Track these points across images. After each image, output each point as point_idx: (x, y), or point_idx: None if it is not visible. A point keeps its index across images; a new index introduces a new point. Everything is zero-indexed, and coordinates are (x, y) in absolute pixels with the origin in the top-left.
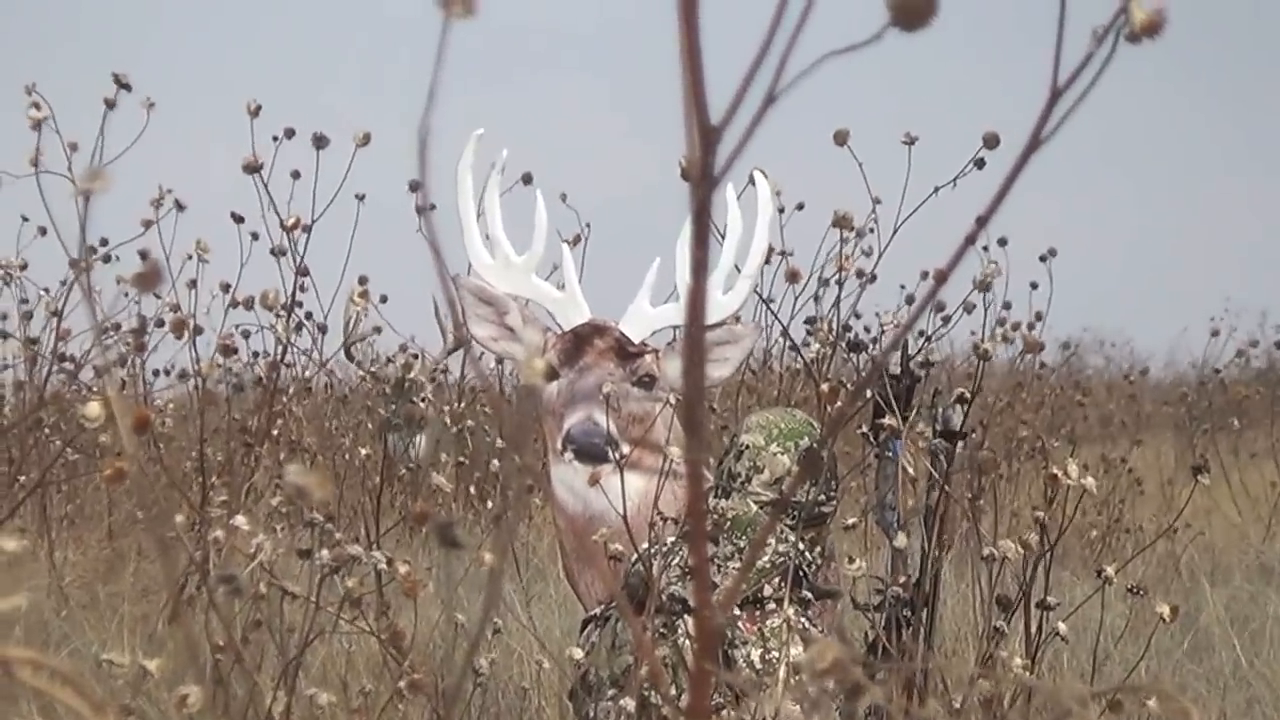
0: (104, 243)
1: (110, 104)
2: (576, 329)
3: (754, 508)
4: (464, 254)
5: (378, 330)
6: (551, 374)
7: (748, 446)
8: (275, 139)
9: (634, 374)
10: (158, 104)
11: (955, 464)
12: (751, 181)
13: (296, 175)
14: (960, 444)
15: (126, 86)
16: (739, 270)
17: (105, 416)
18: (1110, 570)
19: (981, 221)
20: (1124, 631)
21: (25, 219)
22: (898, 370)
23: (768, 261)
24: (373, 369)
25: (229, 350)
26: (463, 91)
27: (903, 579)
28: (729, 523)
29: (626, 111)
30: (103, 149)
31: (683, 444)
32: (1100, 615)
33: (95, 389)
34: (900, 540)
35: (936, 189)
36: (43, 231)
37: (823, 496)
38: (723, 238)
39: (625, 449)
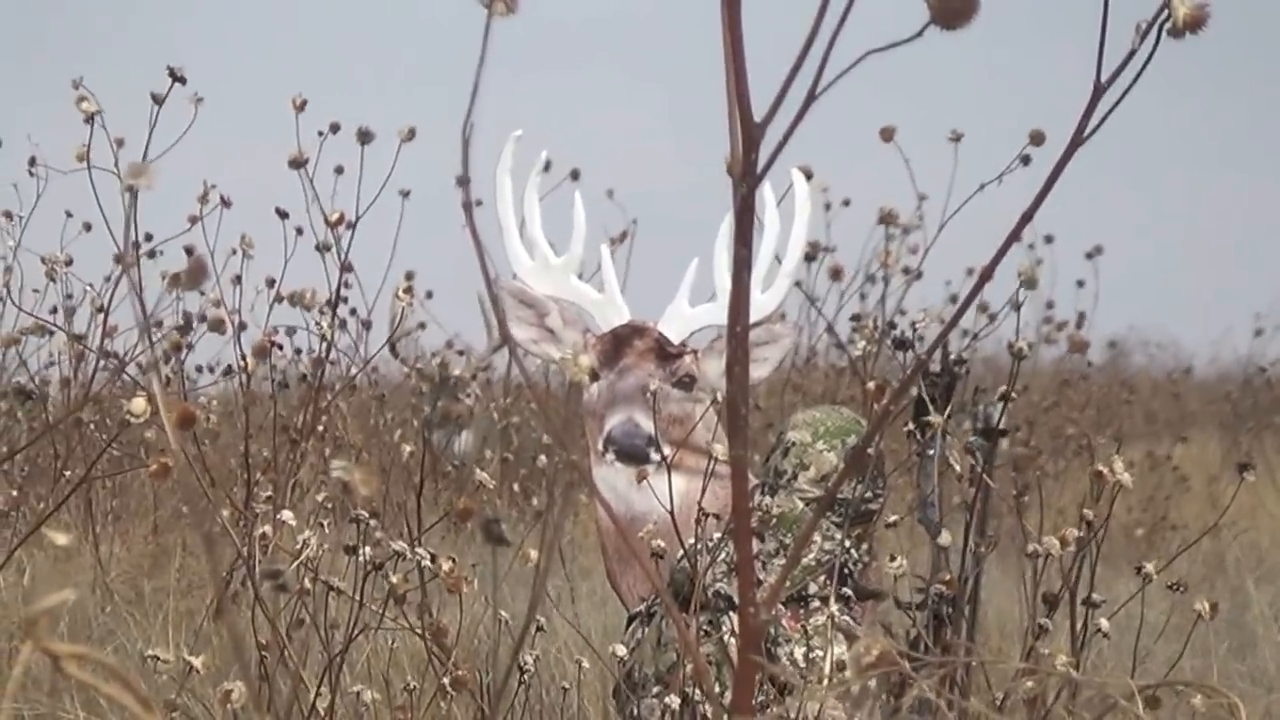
0: (148, 238)
1: (159, 100)
2: (616, 330)
3: (800, 505)
4: (505, 256)
5: (422, 326)
6: (592, 375)
7: (794, 443)
8: (320, 134)
9: (674, 375)
10: (205, 99)
11: (999, 461)
12: (791, 181)
13: (340, 170)
14: (1003, 441)
15: (181, 79)
16: (779, 265)
17: (150, 412)
18: (1151, 568)
19: (1025, 218)
20: (1164, 628)
21: (69, 214)
22: (938, 368)
23: (812, 258)
24: (417, 365)
25: (264, 350)
26: (504, 87)
27: (945, 576)
28: (775, 520)
29: (666, 109)
30: (150, 144)
31: (725, 443)
32: (1141, 612)
33: (140, 385)
34: (945, 538)
35: (982, 185)
36: (88, 227)
37: (869, 494)
38: (761, 237)
39: (666, 450)
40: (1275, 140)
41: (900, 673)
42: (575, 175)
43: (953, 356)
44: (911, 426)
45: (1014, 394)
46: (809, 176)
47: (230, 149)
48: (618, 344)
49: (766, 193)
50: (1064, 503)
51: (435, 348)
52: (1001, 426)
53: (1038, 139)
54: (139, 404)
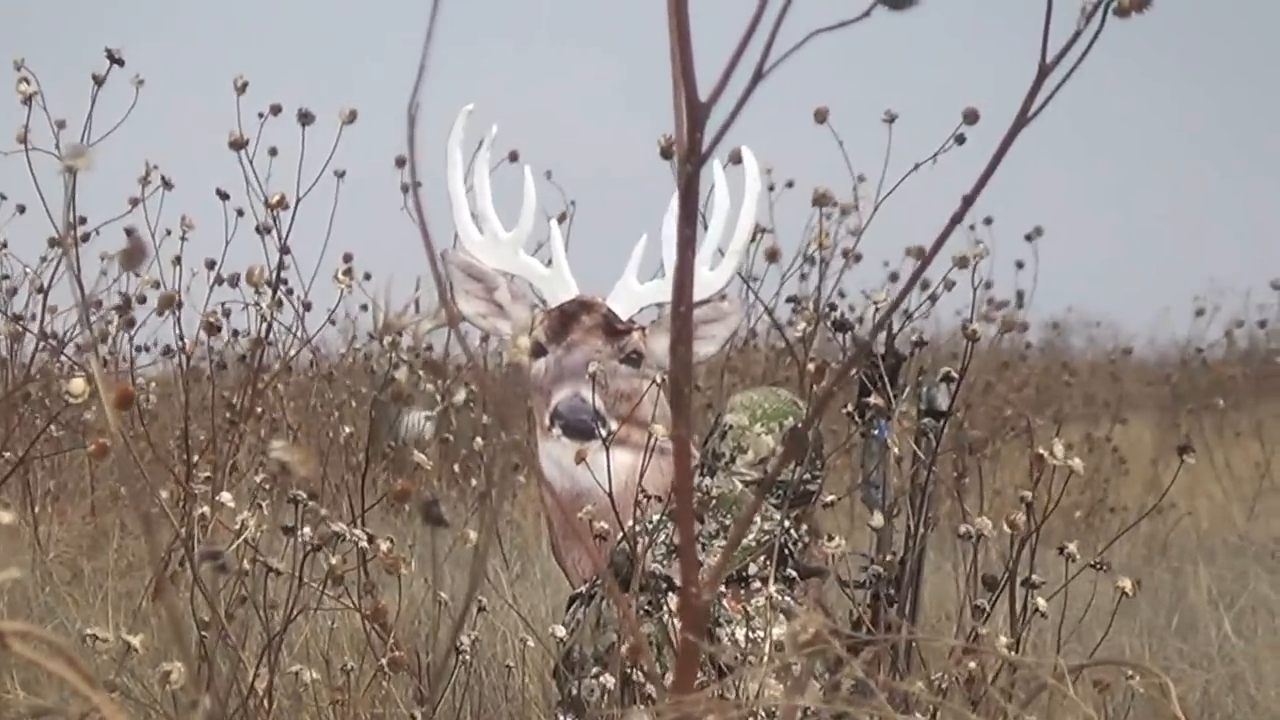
0: (83, 220)
1: (99, 80)
2: (564, 306)
3: (739, 486)
4: (452, 230)
5: (364, 308)
6: (538, 351)
7: (732, 426)
8: (260, 116)
9: (621, 351)
10: (146, 81)
11: (941, 443)
12: (738, 159)
13: (274, 152)
14: (945, 423)
15: (119, 61)
16: (723, 249)
17: (89, 393)
18: (1073, 548)
19: (968, 201)
20: (1097, 607)
21: (4, 196)
22: (883, 350)
23: (753, 239)
24: (358, 347)
25: (214, 328)
26: (453, 65)
27: (887, 557)
28: (714, 501)
29: (616, 86)
30: (91, 126)
31: (669, 421)
32: (1093, 594)
33: (79, 366)
34: (877, 519)
35: (917, 165)
36: (21, 209)
37: (808, 476)
38: (706, 218)
39: (613, 425)
40: (1215, 122)
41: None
42: (514, 157)
43: (913, 338)
44: (851, 408)
45: (957, 376)
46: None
47: (171, 131)
48: (565, 319)
49: (717, 172)
50: (1001, 484)
51: (372, 330)
52: (948, 408)
53: (971, 117)
54: (78, 384)
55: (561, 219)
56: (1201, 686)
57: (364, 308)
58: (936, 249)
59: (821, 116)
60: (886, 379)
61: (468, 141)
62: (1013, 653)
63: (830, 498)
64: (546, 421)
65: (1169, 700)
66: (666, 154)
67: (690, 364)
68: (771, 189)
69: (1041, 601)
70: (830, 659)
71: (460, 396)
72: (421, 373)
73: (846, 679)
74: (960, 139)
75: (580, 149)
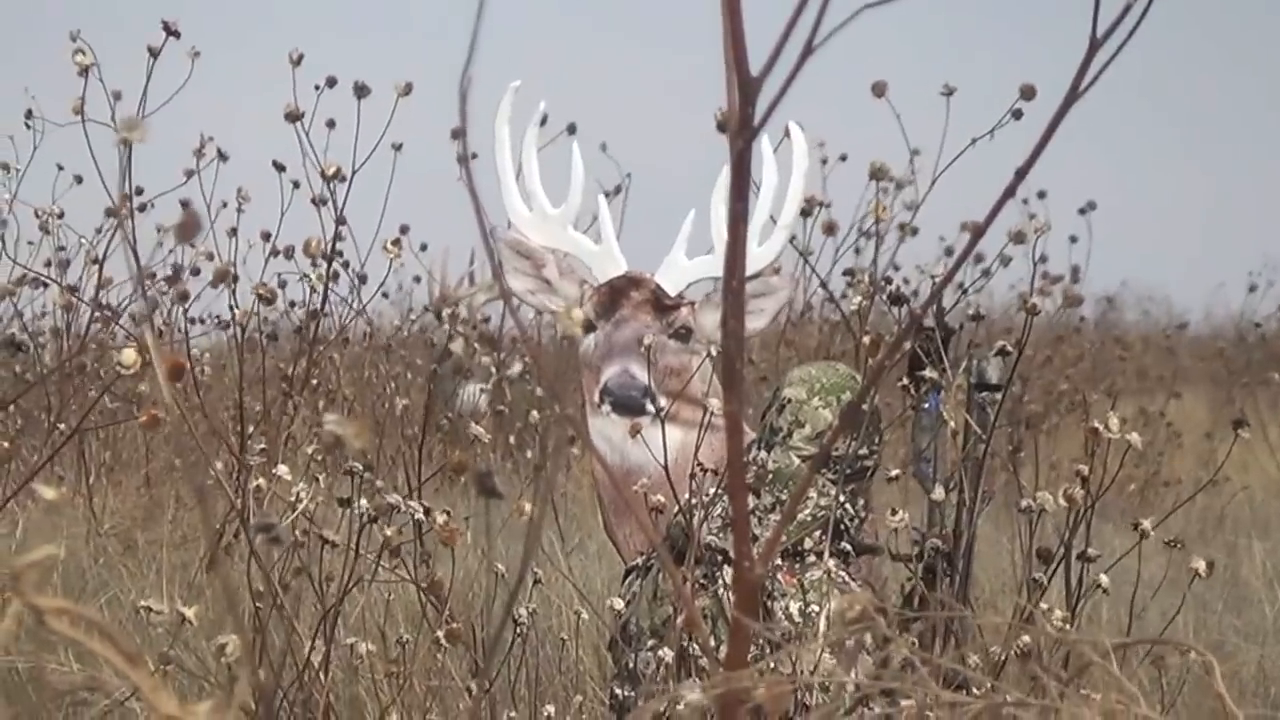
0: (139, 191)
1: (154, 53)
2: (613, 282)
3: (795, 461)
4: (502, 207)
5: (417, 280)
6: (588, 326)
7: (789, 400)
8: (317, 88)
9: (670, 326)
10: (201, 53)
11: (997, 417)
12: (787, 134)
13: (331, 124)
14: (1002, 397)
15: (175, 34)
16: (774, 222)
17: (141, 364)
18: (1147, 524)
19: (1020, 174)
20: (1160, 584)
21: (60, 167)
22: (932, 323)
23: (807, 214)
24: (412, 318)
25: (268, 299)
26: (503, 40)
27: (940, 530)
28: (770, 475)
29: (666, 62)
30: (147, 98)
31: (721, 396)
32: (1137, 568)
33: (132, 337)
34: (938, 492)
35: (974, 140)
36: (79, 180)
37: (864, 450)
38: (758, 189)
39: (662, 402)
40: (1271, 97)
41: (896, 623)
42: (572, 130)
43: (968, 311)
44: (906, 381)
45: (1012, 349)
46: (802, 130)
47: (228, 103)
48: (614, 295)
49: (765, 146)
50: (1057, 458)
51: (427, 302)
52: (1003, 382)
53: (1028, 93)
54: (129, 355)
55: (617, 192)
56: (1256, 662)
57: (417, 280)
58: (989, 222)
59: (880, 91)
60: (937, 353)
61: (515, 118)
62: (1068, 626)
63: (894, 472)
64: (596, 398)
65: (1213, 678)
66: (722, 127)
67: (742, 339)
68: (824, 163)
69: (1104, 577)
70: (880, 635)
71: (515, 369)
72: (477, 345)
73: (895, 656)
74: (1018, 114)
75: (629, 125)
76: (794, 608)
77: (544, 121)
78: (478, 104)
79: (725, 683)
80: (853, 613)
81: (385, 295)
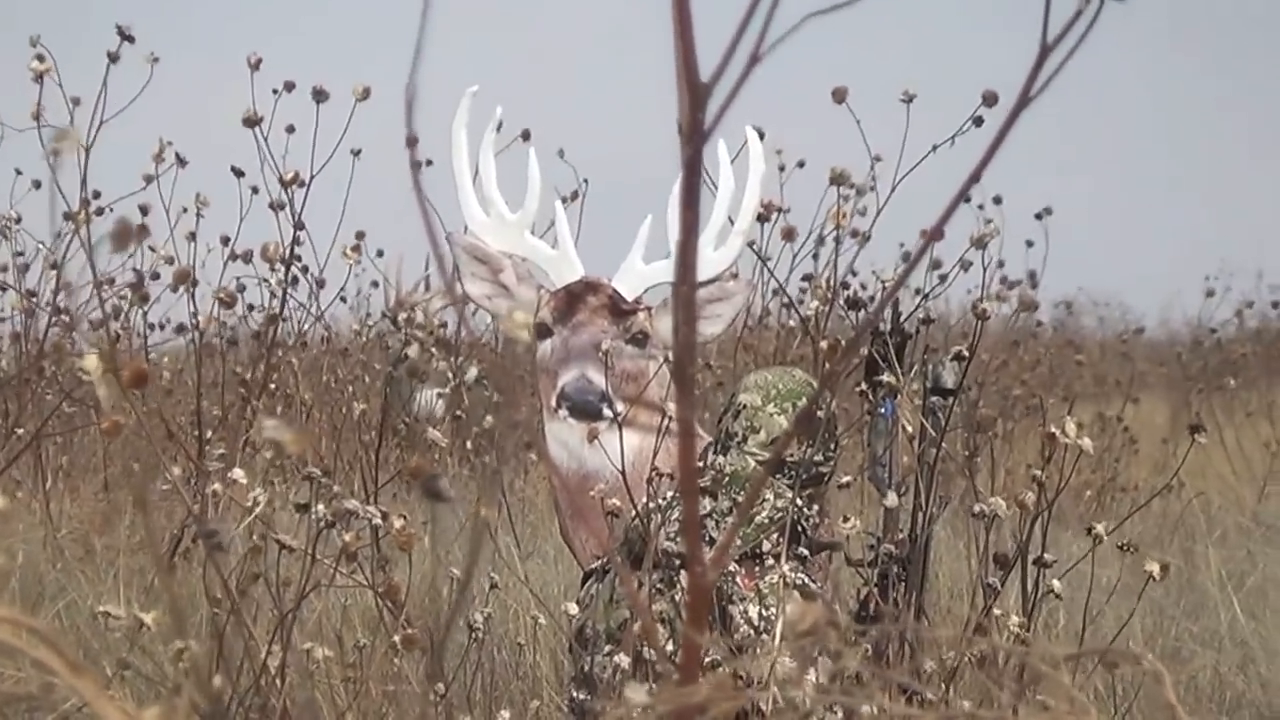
0: (97, 195)
1: (113, 58)
2: (570, 286)
3: (752, 464)
4: (460, 212)
5: (375, 285)
6: (545, 332)
7: (745, 406)
8: (275, 93)
9: (627, 331)
10: (161, 58)
11: (950, 421)
12: (745, 139)
13: (290, 130)
14: (954, 401)
15: (129, 38)
16: (732, 224)
17: (102, 370)
18: (1101, 528)
19: (973, 179)
20: (1115, 589)
21: (19, 172)
22: (888, 327)
23: (765, 219)
24: (370, 324)
25: (228, 303)
26: (459, 47)
27: (895, 536)
28: (727, 479)
29: (623, 67)
30: (105, 103)
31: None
32: (1092, 573)
33: (92, 342)
34: (891, 499)
35: (934, 147)
36: (37, 185)
37: (820, 456)
38: (715, 194)
39: (620, 406)
40: (1228, 102)
41: (853, 628)
42: (526, 136)
43: (921, 315)
44: (863, 386)
45: (968, 354)
46: (760, 136)
47: (187, 108)
48: (571, 300)
49: (721, 151)
50: (1012, 463)
51: (384, 308)
52: (957, 386)
53: (990, 100)
54: (91, 361)
55: (574, 198)
56: (1212, 667)
57: (375, 285)
58: (940, 226)
59: (840, 96)
60: (893, 357)
61: (473, 123)
62: (1025, 632)
63: (846, 479)
64: (553, 403)
65: (1163, 688)
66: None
67: (694, 345)
68: (782, 169)
69: (1056, 583)
70: (831, 647)
71: (472, 374)
72: (434, 350)
73: (848, 668)
74: (979, 121)
75: (586, 131)
76: (752, 612)
77: (500, 127)
78: (437, 109)
79: (675, 687)
80: (805, 624)
81: (344, 300)
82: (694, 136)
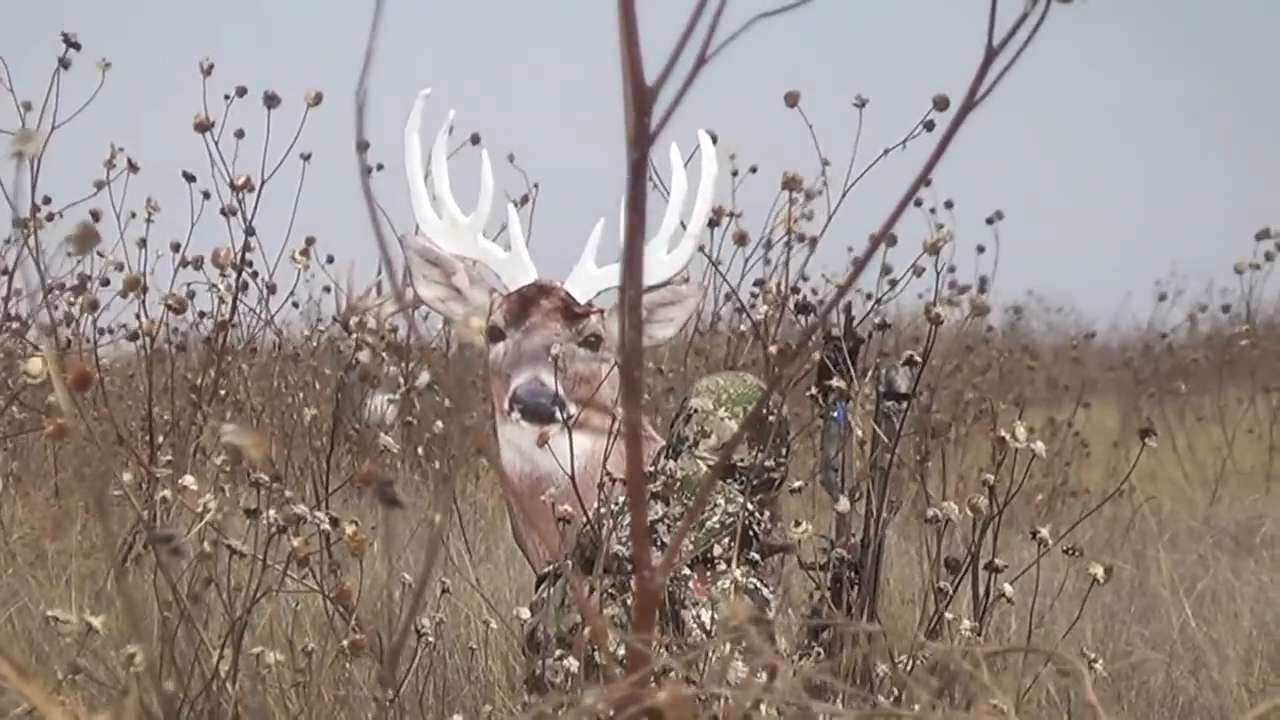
0: (48, 201)
1: (64, 63)
2: (522, 290)
3: (704, 468)
4: (412, 215)
5: (326, 290)
6: (497, 335)
7: (696, 410)
8: (226, 98)
9: (580, 334)
10: (112, 64)
11: (903, 426)
12: (698, 143)
13: (241, 134)
14: (907, 406)
15: (76, 45)
16: (684, 229)
17: (48, 373)
18: (1045, 532)
19: (919, 181)
20: (1061, 593)
21: None
22: (840, 332)
23: (716, 223)
24: (321, 329)
25: (178, 309)
26: (410, 50)
27: (848, 541)
28: (679, 483)
29: (576, 70)
30: (57, 108)
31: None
32: (1038, 577)
33: (40, 347)
34: (842, 504)
35: (886, 151)
36: None
37: (772, 461)
38: (667, 197)
39: (572, 409)
40: (1178, 106)
41: (812, 631)
42: (476, 140)
43: (875, 320)
44: (814, 390)
45: (920, 359)
46: (714, 140)
47: (138, 113)
48: (524, 303)
49: (674, 155)
50: (964, 467)
51: (336, 312)
52: (910, 391)
53: (941, 104)
54: (35, 364)
55: (524, 202)
56: (1164, 671)
57: (327, 289)
58: (887, 229)
59: (792, 100)
60: (846, 362)
61: (425, 127)
62: (977, 637)
63: (797, 484)
64: (506, 405)
65: (1083, 687)
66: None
67: (640, 349)
68: (735, 174)
69: (1008, 587)
70: (798, 642)
71: (424, 379)
72: (385, 355)
73: (803, 674)
74: (930, 125)
75: (538, 135)
76: (705, 616)
77: (452, 130)
78: (389, 113)
79: (623, 690)
80: (735, 620)
81: (295, 305)
82: (639, 140)
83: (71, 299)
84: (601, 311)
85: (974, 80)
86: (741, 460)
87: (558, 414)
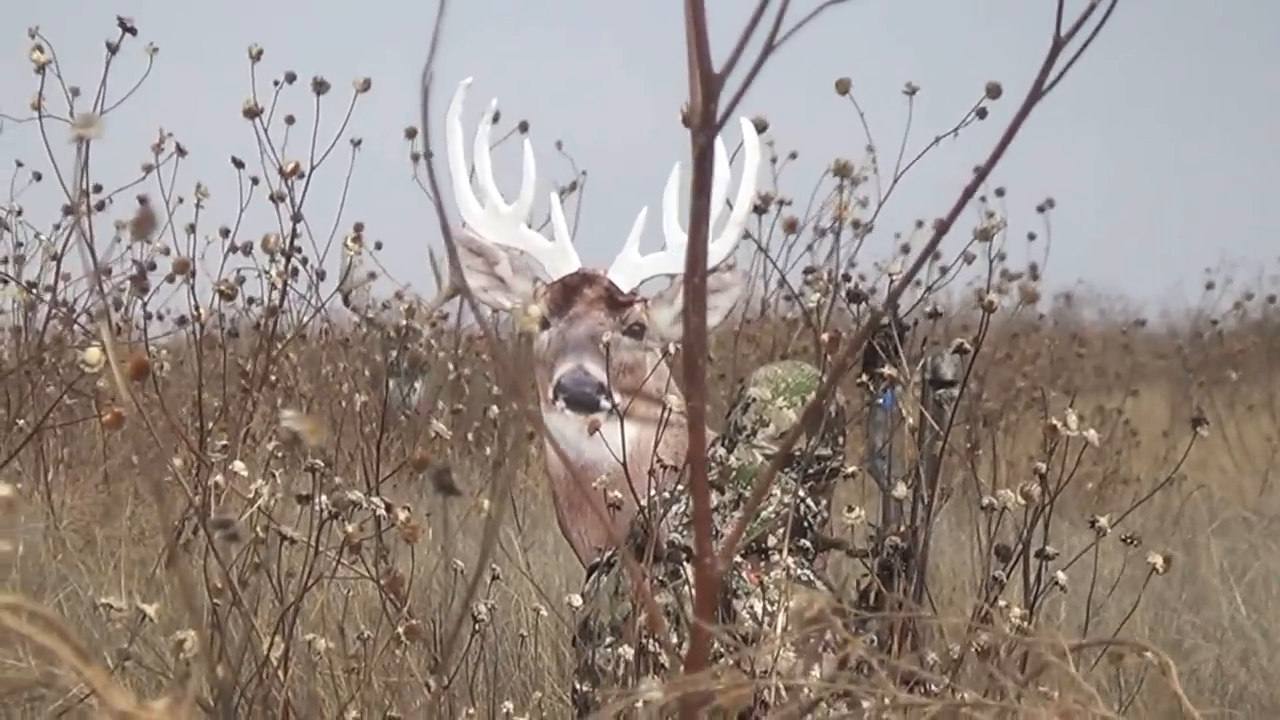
0: (98, 188)
1: (113, 48)
2: (565, 279)
3: (759, 458)
4: (455, 204)
5: (373, 276)
6: (542, 324)
7: (754, 399)
8: (276, 84)
9: (623, 323)
10: (161, 49)
11: (954, 414)
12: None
13: (291, 120)
14: (960, 394)
15: (131, 30)
16: (728, 214)
17: (104, 362)
18: (1104, 521)
19: (981, 173)
20: (1117, 582)
21: (19, 164)
22: (888, 320)
23: (765, 210)
24: (369, 315)
25: (228, 295)
26: (457, 39)
27: (898, 528)
28: (734, 473)
29: (620, 58)
30: (105, 94)
31: (679, 393)
32: (1095, 565)
33: (93, 334)
34: (900, 490)
35: (937, 139)
36: (38, 177)
37: (828, 450)
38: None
39: (617, 398)
40: (1229, 95)
41: (853, 622)
42: (524, 128)
43: (926, 309)
44: (864, 378)
45: (970, 347)
46: (763, 129)
47: (187, 99)
48: (568, 292)
49: (718, 143)
50: (1014, 455)
51: (386, 298)
52: (957, 379)
53: (994, 91)
54: (93, 354)
55: (573, 188)
56: (1214, 659)
57: (372, 275)
58: (950, 221)
59: (844, 88)
60: (892, 349)
61: (467, 115)
62: (1027, 625)
63: (851, 470)
64: (550, 395)
65: (1169, 679)
66: (688, 122)
67: (704, 334)
68: (774, 161)
69: (1061, 575)
70: (838, 636)
71: (467, 369)
72: (434, 342)
73: (852, 656)
74: (982, 113)
75: (580, 123)
76: (757, 606)
77: (496, 119)
78: (434, 101)
79: (685, 682)
80: (811, 612)
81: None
82: (706, 127)
83: (121, 285)
84: (645, 300)
85: (1041, 70)
86: (799, 450)
87: (602, 403)
